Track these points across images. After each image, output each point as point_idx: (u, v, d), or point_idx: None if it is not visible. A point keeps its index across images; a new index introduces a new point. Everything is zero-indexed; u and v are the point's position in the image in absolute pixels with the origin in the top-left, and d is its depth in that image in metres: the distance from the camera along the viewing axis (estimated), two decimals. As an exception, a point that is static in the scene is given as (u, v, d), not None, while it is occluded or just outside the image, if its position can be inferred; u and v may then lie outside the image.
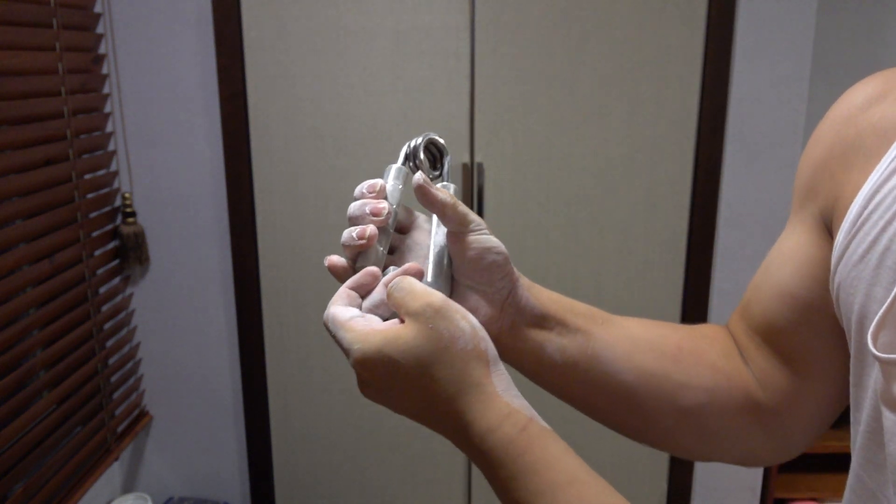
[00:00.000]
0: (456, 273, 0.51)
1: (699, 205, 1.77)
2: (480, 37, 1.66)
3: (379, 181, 0.52)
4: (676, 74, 1.69)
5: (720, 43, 1.68)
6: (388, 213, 0.50)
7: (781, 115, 1.74)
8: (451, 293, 0.50)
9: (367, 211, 0.49)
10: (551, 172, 1.74)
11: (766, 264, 0.56)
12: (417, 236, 0.54)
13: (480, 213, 1.75)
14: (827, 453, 2.28)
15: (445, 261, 0.50)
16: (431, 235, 0.52)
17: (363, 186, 0.51)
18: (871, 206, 0.43)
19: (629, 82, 1.69)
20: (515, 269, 0.53)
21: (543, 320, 0.54)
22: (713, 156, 1.75)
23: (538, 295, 0.54)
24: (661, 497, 1.96)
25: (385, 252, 0.50)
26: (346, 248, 0.51)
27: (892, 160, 0.44)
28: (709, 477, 1.97)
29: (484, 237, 0.50)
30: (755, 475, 1.99)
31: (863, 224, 0.43)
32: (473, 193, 1.73)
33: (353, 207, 0.51)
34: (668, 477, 1.94)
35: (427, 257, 0.51)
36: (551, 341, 0.54)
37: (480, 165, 1.72)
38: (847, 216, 0.45)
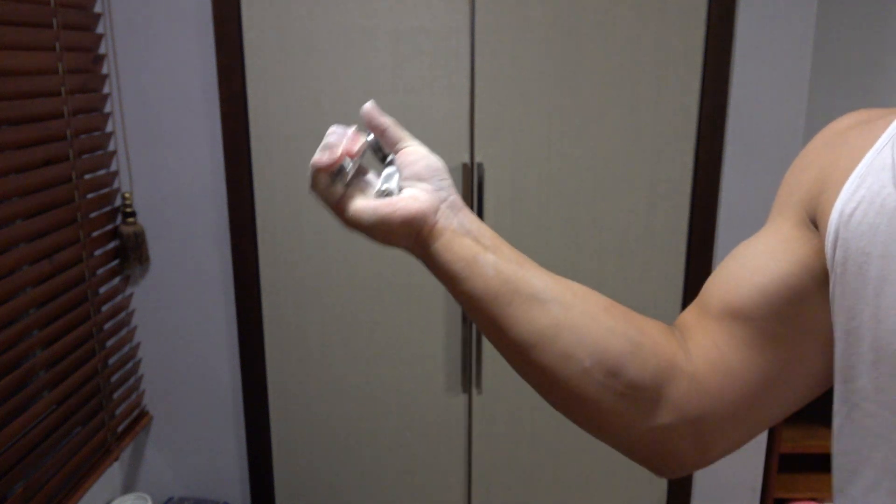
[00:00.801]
0: (402, 178, 0.58)
1: (699, 205, 1.77)
2: (480, 37, 1.66)
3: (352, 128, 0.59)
4: (676, 74, 1.69)
5: (720, 43, 1.68)
6: (365, 143, 0.58)
7: (781, 115, 1.74)
8: (399, 191, 0.57)
9: (349, 134, 0.57)
10: (551, 172, 1.74)
11: (735, 254, 0.57)
12: (370, 176, 0.61)
13: (480, 213, 1.75)
14: (827, 453, 2.28)
15: (394, 172, 0.58)
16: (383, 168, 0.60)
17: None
18: (870, 174, 0.45)
19: (629, 82, 1.69)
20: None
21: (481, 236, 0.56)
22: (713, 156, 1.75)
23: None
24: (661, 497, 1.96)
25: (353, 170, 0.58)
26: (318, 167, 0.55)
27: (891, 136, 0.46)
28: (709, 477, 1.97)
29: (420, 147, 0.59)
30: (755, 475, 1.99)
31: (865, 189, 0.45)
32: (473, 193, 1.73)
33: (336, 131, 0.57)
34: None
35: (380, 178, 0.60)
36: (486, 256, 0.55)
37: (480, 165, 1.72)
38: (847, 184, 0.47)
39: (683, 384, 0.54)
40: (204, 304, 1.86)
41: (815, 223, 0.50)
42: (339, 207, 0.56)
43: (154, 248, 1.82)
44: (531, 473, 1.94)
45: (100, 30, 1.69)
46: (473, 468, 1.93)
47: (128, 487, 1.94)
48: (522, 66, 1.68)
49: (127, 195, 1.76)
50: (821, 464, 2.28)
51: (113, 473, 1.87)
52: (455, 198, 0.57)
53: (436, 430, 1.91)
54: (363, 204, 0.55)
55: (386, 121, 0.58)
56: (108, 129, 1.75)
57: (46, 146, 1.51)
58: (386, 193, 0.56)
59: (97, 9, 1.68)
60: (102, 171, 1.73)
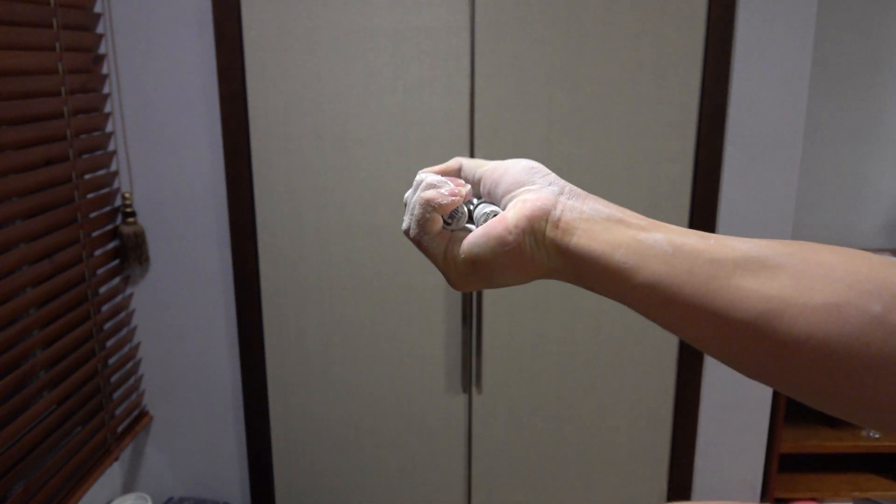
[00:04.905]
0: (495, 197, 0.50)
1: (699, 205, 1.77)
2: (480, 37, 1.66)
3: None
4: (676, 74, 1.69)
5: (720, 43, 1.68)
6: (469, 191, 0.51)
7: (781, 115, 1.74)
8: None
9: (451, 183, 0.51)
10: (551, 172, 1.74)
11: None
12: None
13: (480, 213, 1.75)
14: (827, 453, 2.29)
15: (488, 203, 0.51)
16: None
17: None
18: None
19: (629, 82, 1.69)
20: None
21: (629, 217, 0.45)
22: (713, 156, 1.75)
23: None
24: (661, 497, 1.96)
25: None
26: (437, 205, 0.49)
27: None
28: (709, 476, 1.97)
29: (499, 162, 0.51)
30: (755, 475, 1.99)
31: None
32: (473, 193, 1.73)
33: (429, 175, 0.51)
34: (667, 477, 1.95)
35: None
36: (650, 234, 0.43)
37: (480, 165, 1.72)
38: None
39: None
40: (204, 304, 1.86)
41: None
42: (448, 255, 0.48)
43: (154, 248, 1.82)
44: (531, 473, 1.94)
45: (100, 30, 1.69)
46: (473, 468, 1.93)
47: (128, 487, 1.94)
48: (522, 66, 1.68)
49: (127, 195, 1.76)
50: (821, 464, 2.28)
51: (113, 473, 1.87)
52: (573, 188, 0.47)
53: (436, 430, 1.91)
54: (472, 236, 0.47)
55: (455, 160, 0.53)
56: (108, 129, 1.75)
57: (46, 146, 1.51)
58: (491, 216, 0.48)
59: (97, 9, 1.68)
60: (102, 171, 1.73)
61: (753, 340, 0.40)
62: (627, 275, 0.42)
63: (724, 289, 0.40)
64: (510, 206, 0.47)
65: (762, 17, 1.68)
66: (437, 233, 0.49)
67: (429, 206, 0.48)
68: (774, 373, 0.41)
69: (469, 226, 0.50)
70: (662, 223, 0.44)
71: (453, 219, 0.49)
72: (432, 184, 0.49)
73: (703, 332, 0.42)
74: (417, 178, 0.51)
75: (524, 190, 0.47)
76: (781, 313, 0.39)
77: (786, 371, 0.40)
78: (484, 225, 0.46)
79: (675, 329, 0.43)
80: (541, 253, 0.45)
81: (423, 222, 0.48)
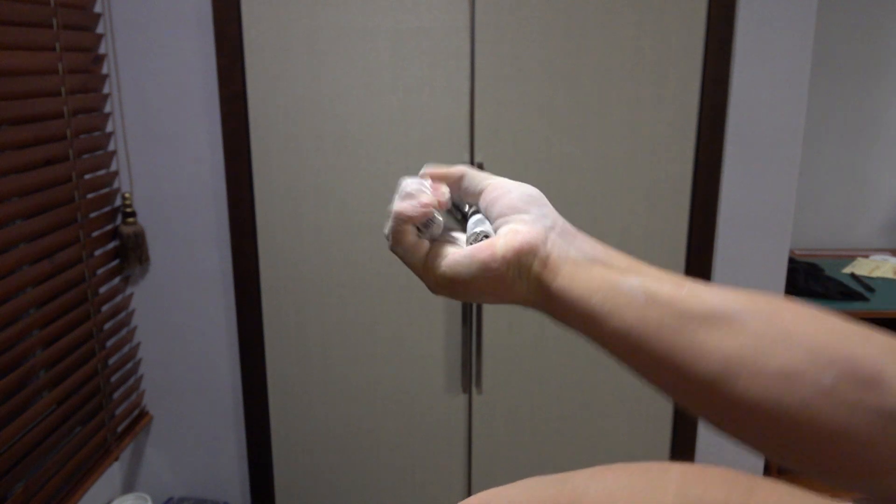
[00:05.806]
0: (490, 216, 0.50)
1: (699, 205, 1.77)
2: (480, 37, 1.66)
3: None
4: (676, 74, 1.69)
5: (720, 43, 1.68)
6: (448, 198, 0.51)
7: (781, 115, 1.74)
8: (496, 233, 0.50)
9: (429, 190, 0.51)
10: (551, 172, 1.74)
11: None
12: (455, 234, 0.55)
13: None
14: (827, 453, 2.28)
15: (483, 218, 0.51)
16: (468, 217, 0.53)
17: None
18: None
19: (629, 82, 1.69)
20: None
21: (612, 260, 0.46)
22: (713, 156, 1.75)
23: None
24: (661, 497, 1.96)
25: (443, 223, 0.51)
26: (407, 217, 0.49)
27: None
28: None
29: (507, 180, 0.51)
30: (755, 475, 1.99)
31: None
32: (473, 193, 1.73)
33: (412, 182, 0.51)
34: (668, 477, 1.94)
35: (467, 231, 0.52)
36: (628, 280, 0.43)
37: (480, 165, 1.72)
38: None
39: None
40: (204, 304, 1.86)
41: None
42: (428, 266, 0.49)
43: (154, 248, 1.82)
44: (531, 473, 1.93)
45: (100, 30, 1.69)
46: (473, 468, 1.93)
47: (128, 487, 1.94)
48: (522, 66, 1.68)
49: (127, 195, 1.76)
50: (821, 464, 2.28)
51: (113, 473, 1.87)
52: (565, 224, 0.49)
53: (436, 430, 1.91)
54: (458, 254, 0.47)
55: (459, 167, 0.52)
56: (108, 129, 1.75)
57: (46, 146, 1.51)
58: (480, 237, 0.48)
59: (97, 9, 1.68)
60: (102, 171, 1.73)
61: (711, 397, 0.41)
62: (601, 321, 0.43)
63: (688, 343, 0.41)
64: (501, 232, 0.47)
65: (762, 17, 1.68)
66: (412, 244, 0.49)
67: (399, 219, 0.48)
68: (731, 429, 0.42)
69: (455, 235, 0.50)
70: (643, 266, 0.45)
71: (427, 228, 0.49)
72: (409, 193, 0.49)
73: (665, 382, 0.43)
74: (400, 183, 0.52)
75: (517, 219, 0.48)
76: (737, 375, 0.39)
77: (741, 429, 0.41)
78: (472, 247, 0.47)
79: (641, 375, 0.44)
80: (522, 284, 0.46)
81: (395, 234, 0.49)
